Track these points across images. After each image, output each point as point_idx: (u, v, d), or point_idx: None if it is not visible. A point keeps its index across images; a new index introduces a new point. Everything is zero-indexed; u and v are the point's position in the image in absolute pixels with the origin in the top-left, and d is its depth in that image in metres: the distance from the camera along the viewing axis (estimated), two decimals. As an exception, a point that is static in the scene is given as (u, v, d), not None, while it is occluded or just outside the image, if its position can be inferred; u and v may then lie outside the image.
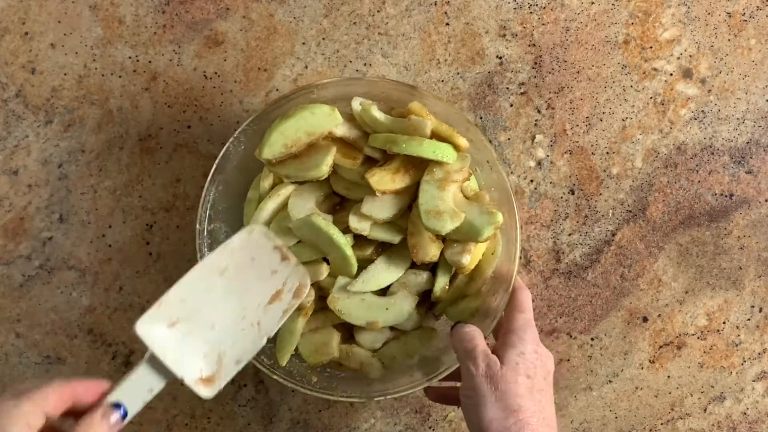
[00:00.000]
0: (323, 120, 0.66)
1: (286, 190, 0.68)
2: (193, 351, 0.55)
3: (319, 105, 0.66)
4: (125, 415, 0.51)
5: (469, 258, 0.66)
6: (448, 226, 0.64)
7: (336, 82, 0.67)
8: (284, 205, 0.68)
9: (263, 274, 0.58)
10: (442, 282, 0.68)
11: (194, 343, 0.55)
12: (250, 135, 0.68)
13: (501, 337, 0.62)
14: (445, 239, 0.67)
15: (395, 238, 0.67)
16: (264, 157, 0.66)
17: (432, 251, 0.66)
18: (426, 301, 0.70)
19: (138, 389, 0.52)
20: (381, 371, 0.68)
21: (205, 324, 0.55)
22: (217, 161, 0.67)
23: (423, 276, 0.69)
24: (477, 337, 0.61)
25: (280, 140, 0.66)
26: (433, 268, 0.69)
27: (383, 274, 0.68)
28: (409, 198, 0.68)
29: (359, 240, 0.68)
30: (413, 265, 0.69)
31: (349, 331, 0.70)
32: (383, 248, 0.69)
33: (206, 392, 0.54)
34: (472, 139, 0.68)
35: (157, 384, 0.53)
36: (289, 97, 0.68)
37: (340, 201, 0.70)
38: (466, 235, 0.65)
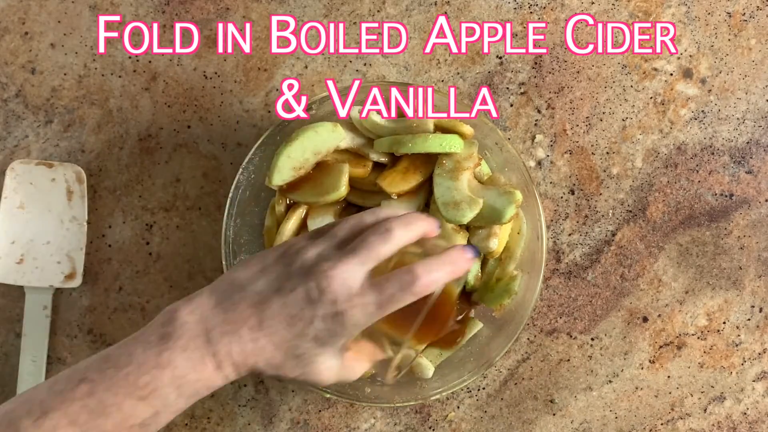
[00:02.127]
0: (327, 137, 0.66)
1: (302, 210, 0.68)
2: (48, 265, 0.72)
3: (322, 123, 0.67)
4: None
5: (497, 242, 0.66)
6: (468, 214, 0.64)
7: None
8: (303, 225, 0.69)
9: (48, 186, 0.72)
10: (473, 270, 0.69)
11: (44, 260, 0.72)
12: (257, 163, 0.68)
13: None
14: (469, 227, 0.67)
15: None
16: (274, 184, 0.66)
17: (458, 242, 0.66)
18: (461, 291, 0.70)
19: (37, 314, 0.71)
20: (432, 369, 0.68)
21: (42, 244, 0.72)
22: (230, 195, 0.68)
23: None
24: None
25: (287, 164, 0.66)
26: None
27: None
28: (425, 194, 0.68)
29: None
30: None
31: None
32: None
33: (74, 283, 0.72)
34: (476, 124, 0.68)
35: (45, 301, 0.72)
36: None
37: (357, 210, 0.70)
38: (488, 220, 0.66)
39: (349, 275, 0.50)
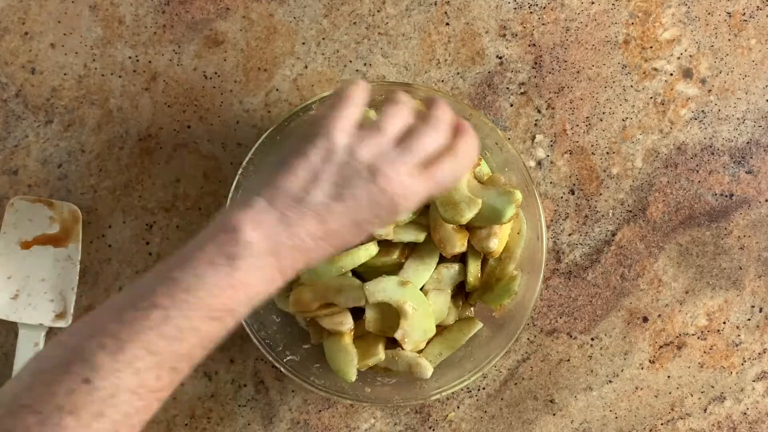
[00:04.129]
0: None
1: None
2: (41, 303, 0.72)
3: None
4: None
5: (497, 242, 0.67)
6: (467, 214, 0.64)
7: (331, 95, 0.67)
8: None
9: (46, 224, 0.72)
10: (473, 270, 0.69)
11: (38, 297, 0.72)
12: (257, 163, 0.68)
13: None
14: (469, 227, 0.67)
15: (420, 237, 0.68)
16: None
17: (458, 242, 0.66)
18: (461, 291, 0.71)
19: (28, 351, 0.71)
20: (431, 369, 0.68)
21: (37, 281, 0.72)
22: (230, 195, 0.68)
23: (455, 268, 0.69)
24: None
25: None
26: (462, 258, 0.70)
27: (415, 275, 0.68)
28: None
29: (384, 245, 0.68)
30: (442, 259, 0.69)
31: (391, 336, 0.70)
32: (410, 249, 0.69)
33: (64, 323, 0.72)
34: (476, 124, 0.68)
35: (37, 338, 0.72)
36: (290, 118, 0.68)
37: None
38: (488, 220, 0.66)
39: (409, 174, 0.53)
